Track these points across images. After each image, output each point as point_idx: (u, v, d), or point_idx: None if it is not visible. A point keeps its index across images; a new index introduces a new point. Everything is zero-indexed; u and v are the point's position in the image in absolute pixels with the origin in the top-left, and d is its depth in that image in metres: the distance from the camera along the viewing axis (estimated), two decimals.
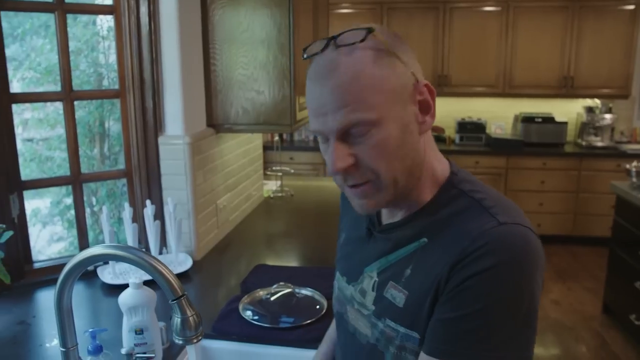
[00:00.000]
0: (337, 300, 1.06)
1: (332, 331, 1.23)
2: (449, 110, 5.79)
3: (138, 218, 2.08)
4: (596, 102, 5.48)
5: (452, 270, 0.78)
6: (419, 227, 0.87)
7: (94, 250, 0.96)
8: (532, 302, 0.77)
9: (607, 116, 5.28)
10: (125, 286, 1.37)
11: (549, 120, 5.39)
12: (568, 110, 5.59)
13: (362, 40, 0.78)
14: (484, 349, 0.75)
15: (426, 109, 0.85)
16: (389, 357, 0.88)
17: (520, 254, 0.76)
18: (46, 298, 1.83)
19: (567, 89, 5.29)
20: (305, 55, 0.84)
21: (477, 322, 0.75)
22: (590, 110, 5.40)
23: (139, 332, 1.34)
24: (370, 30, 0.79)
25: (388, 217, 0.94)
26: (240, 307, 1.65)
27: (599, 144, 5.30)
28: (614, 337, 3.61)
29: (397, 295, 0.86)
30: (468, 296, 0.76)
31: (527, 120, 5.40)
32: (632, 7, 5.06)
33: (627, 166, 3.66)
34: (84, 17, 2.46)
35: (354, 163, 0.81)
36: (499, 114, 5.76)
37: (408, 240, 0.88)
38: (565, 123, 5.41)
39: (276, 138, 5.06)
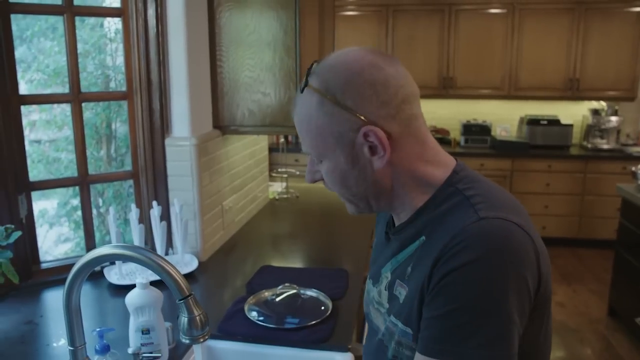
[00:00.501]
0: (365, 301, 1.11)
1: None
2: (454, 113, 5.79)
3: (144, 219, 2.09)
4: (602, 104, 5.47)
5: (434, 268, 0.79)
6: (419, 226, 0.90)
7: (102, 250, 0.97)
8: (516, 297, 0.76)
9: (613, 118, 5.26)
10: (132, 287, 1.39)
11: (554, 122, 5.38)
12: (574, 113, 5.58)
13: (302, 92, 0.90)
14: (469, 347, 0.75)
15: (374, 150, 0.87)
16: (390, 351, 0.92)
17: (497, 248, 0.76)
18: (53, 298, 1.84)
19: (572, 91, 5.28)
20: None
21: (460, 320, 0.76)
22: (596, 112, 5.39)
23: (146, 331, 1.36)
24: (306, 84, 0.89)
25: (397, 219, 0.97)
26: (246, 307, 1.66)
27: (605, 146, 5.28)
28: (620, 340, 3.60)
29: (402, 292, 0.89)
30: (448, 293, 0.77)
31: (533, 122, 5.39)
32: (638, 9, 5.04)
33: (633, 168, 3.65)
34: (92, 20, 2.48)
35: (321, 178, 0.96)
36: (505, 116, 5.76)
37: (411, 240, 0.91)
38: (571, 125, 5.40)
39: (282, 140, 5.07)
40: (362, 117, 0.84)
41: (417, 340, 0.83)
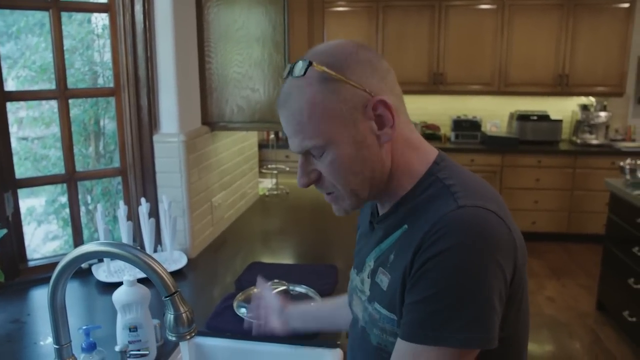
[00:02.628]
0: (349, 291, 1.12)
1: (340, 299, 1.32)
2: (445, 108, 5.80)
3: (133, 216, 2.08)
4: (591, 100, 5.50)
5: (415, 256, 0.81)
6: (401, 214, 0.91)
7: (87, 248, 0.97)
8: (494, 283, 0.79)
9: (602, 114, 5.29)
10: (120, 284, 1.38)
11: (544, 118, 5.41)
12: (563, 108, 5.61)
13: (304, 74, 0.85)
14: (449, 330, 0.77)
15: (383, 123, 0.87)
16: (373, 338, 0.93)
17: (475, 235, 0.79)
18: (41, 296, 1.83)
19: (562, 87, 5.30)
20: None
21: (439, 305, 0.78)
22: (585, 108, 5.43)
23: (133, 329, 1.35)
24: (309, 64, 0.85)
25: (382, 208, 0.99)
26: (235, 304, 1.66)
27: (594, 141, 5.32)
28: (608, 334, 3.63)
29: (383, 279, 0.91)
30: (429, 279, 0.79)
31: (523, 118, 5.41)
32: (626, 5, 5.07)
33: (621, 164, 3.68)
34: (79, 15, 2.46)
35: (318, 178, 0.92)
36: (495, 112, 5.78)
37: (394, 228, 0.92)
38: (560, 121, 5.43)
39: (271, 136, 5.06)
40: (368, 91, 0.86)
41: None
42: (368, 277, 0.97)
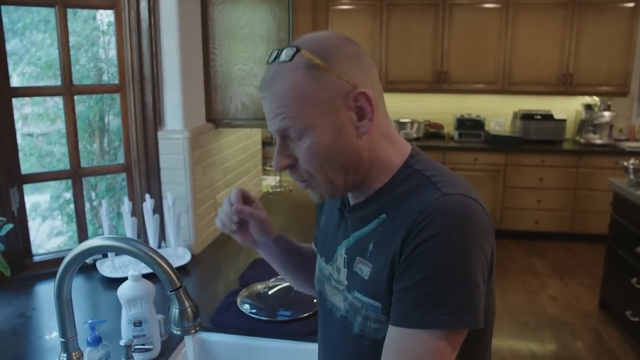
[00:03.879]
0: (317, 280, 1.12)
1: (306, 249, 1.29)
2: (448, 107, 5.79)
3: (137, 212, 2.09)
4: (595, 99, 5.49)
5: (404, 243, 0.84)
6: (379, 204, 0.93)
7: (93, 242, 0.97)
8: (479, 265, 0.83)
9: (606, 114, 5.28)
10: (124, 279, 1.39)
11: (547, 117, 5.40)
12: (567, 108, 5.60)
13: (290, 60, 0.87)
14: (440, 313, 0.80)
15: (362, 114, 0.89)
16: (356, 326, 0.94)
17: (460, 220, 0.83)
18: (46, 291, 1.84)
19: (566, 87, 5.29)
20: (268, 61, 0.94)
21: (429, 288, 0.81)
22: (589, 107, 5.41)
23: (138, 324, 1.36)
24: (297, 50, 0.87)
25: (354, 198, 1.00)
26: (238, 300, 1.66)
27: (598, 141, 5.31)
28: (611, 333, 3.63)
29: (364, 268, 0.93)
30: (418, 264, 0.82)
31: (526, 117, 5.40)
32: (631, 4, 5.06)
33: (625, 163, 3.67)
34: (84, 12, 2.47)
35: (293, 163, 0.93)
36: (498, 111, 5.77)
37: (370, 218, 0.94)
38: (564, 120, 5.42)
39: None
40: (351, 82, 0.88)
41: (387, 313, 0.87)
42: (344, 267, 0.98)
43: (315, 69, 0.87)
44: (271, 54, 0.92)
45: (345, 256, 0.98)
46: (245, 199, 1.12)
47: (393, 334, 0.85)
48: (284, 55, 0.88)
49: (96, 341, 1.24)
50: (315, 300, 1.65)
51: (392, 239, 0.87)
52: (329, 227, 1.09)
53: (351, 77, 0.88)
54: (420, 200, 0.86)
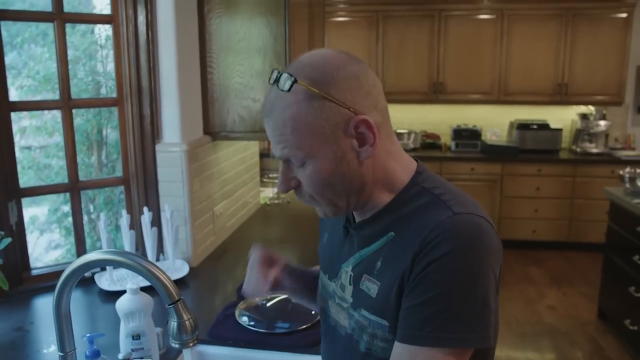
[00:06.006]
0: (321, 297, 1.12)
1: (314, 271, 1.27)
2: (445, 117, 5.82)
3: (135, 225, 2.10)
4: (590, 109, 5.53)
5: (414, 260, 0.84)
6: (386, 222, 0.93)
7: (92, 256, 0.98)
8: (489, 284, 0.83)
9: (602, 123, 5.31)
10: (123, 292, 1.39)
11: (544, 127, 5.43)
12: (563, 117, 5.64)
13: (288, 90, 0.86)
14: (449, 331, 0.80)
15: (364, 140, 0.88)
16: (362, 345, 0.94)
17: (472, 239, 0.83)
18: (44, 305, 1.84)
19: (561, 96, 5.33)
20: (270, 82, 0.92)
21: (439, 306, 0.81)
22: (584, 117, 5.45)
23: (136, 337, 1.36)
24: (294, 81, 0.85)
25: (360, 215, 1.00)
26: (237, 312, 1.67)
27: (594, 150, 5.33)
28: (609, 342, 3.63)
29: (371, 286, 0.92)
30: (429, 282, 0.82)
31: (523, 127, 5.43)
32: (624, 15, 5.11)
33: (621, 172, 3.69)
34: (82, 26, 2.49)
35: (297, 185, 0.93)
36: (495, 121, 5.80)
37: (378, 235, 0.94)
38: (560, 130, 5.45)
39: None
40: (352, 109, 0.86)
41: (394, 331, 0.87)
42: (350, 284, 0.98)
43: (314, 98, 0.85)
44: (272, 73, 0.90)
45: (352, 273, 0.97)
46: (268, 259, 1.15)
47: (399, 350, 0.85)
48: (282, 83, 0.87)
49: (95, 355, 1.24)
50: (313, 312, 1.65)
51: (401, 256, 0.87)
52: (333, 244, 1.08)
53: (351, 103, 0.86)
54: (431, 218, 0.86)
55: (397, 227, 0.91)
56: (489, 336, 0.83)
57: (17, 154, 1.92)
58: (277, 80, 0.88)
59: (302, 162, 0.89)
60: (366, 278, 0.94)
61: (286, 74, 0.87)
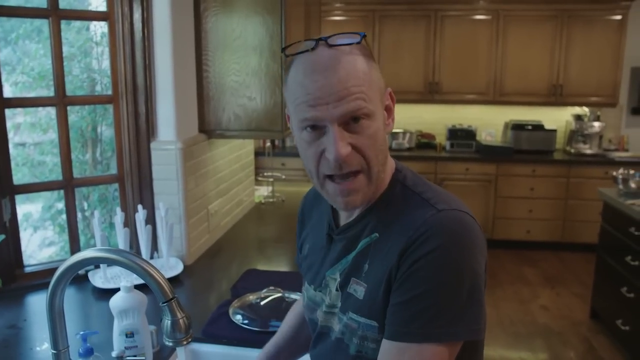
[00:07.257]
0: (308, 308, 1.10)
1: (284, 325, 1.31)
2: (440, 117, 5.83)
3: (129, 223, 2.09)
4: (585, 110, 5.55)
5: (401, 258, 0.84)
6: (370, 222, 0.94)
7: (86, 254, 0.98)
8: (475, 279, 0.84)
9: (596, 124, 5.34)
10: (117, 290, 1.39)
11: (538, 127, 5.44)
12: (557, 118, 5.66)
13: (358, 42, 0.86)
14: (436, 326, 0.81)
15: (390, 113, 0.93)
16: (352, 348, 0.93)
17: (458, 235, 0.84)
18: (37, 302, 1.83)
19: (556, 97, 5.35)
20: (287, 54, 0.89)
21: (426, 302, 0.81)
22: (579, 118, 5.47)
23: (130, 335, 1.36)
24: (364, 35, 0.87)
25: (345, 219, 1.00)
26: (230, 311, 1.67)
27: (588, 151, 5.36)
28: (602, 342, 3.65)
29: (358, 289, 0.93)
30: (415, 279, 0.82)
31: (517, 127, 5.45)
32: (619, 17, 5.13)
33: (614, 173, 3.71)
34: (78, 23, 2.48)
35: (351, 151, 0.85)
36: (490, 121, 5.81)
37: (362, 237, 0.94)
38: (555, 131, 5.47)
39: (268, 144, 5.08)
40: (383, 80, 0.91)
41: (383, 332, 0.87)
42: (337, 290, 0.97)
43: (371, 59, 0.88)
44: (294, 45, 0.88)
45: (339, 279, 0.97)
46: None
47: (387, 347, 0.85)
48: (343, 40, 0.85)
49: (88, 353, 1.24)
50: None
51: (387, 256, 0.87)
52: (315, 255, 1.08)
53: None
54: (415, 217, 0.86)
55: (381, 227, 0.92)
56: (479, 328, 0.83)
57: (11, 150, 1.92)
58: (317, 44, 0.85)
59: (364, 120, 0.85)
60: (354, 281, 0.94)
61: (340, 34, 0.87)
